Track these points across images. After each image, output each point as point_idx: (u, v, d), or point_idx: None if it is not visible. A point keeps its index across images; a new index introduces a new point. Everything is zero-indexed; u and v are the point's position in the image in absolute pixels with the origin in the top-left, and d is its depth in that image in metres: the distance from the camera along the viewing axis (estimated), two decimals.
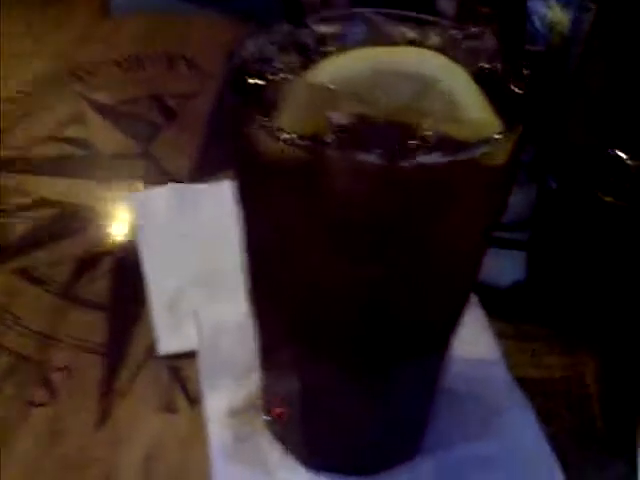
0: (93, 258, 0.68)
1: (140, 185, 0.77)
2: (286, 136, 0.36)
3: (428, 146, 0.36)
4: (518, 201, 0.58)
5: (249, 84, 0.40)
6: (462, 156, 0.36)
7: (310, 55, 0.42)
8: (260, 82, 0.40)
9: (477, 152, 0.36)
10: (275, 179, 0.39)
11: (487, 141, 0.36)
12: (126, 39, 1.03)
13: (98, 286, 0.66)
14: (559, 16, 0.73)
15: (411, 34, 0.45)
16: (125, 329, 0.62)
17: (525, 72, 0.41)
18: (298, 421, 0.49)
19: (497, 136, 0.37)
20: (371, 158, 0.35)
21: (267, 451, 0.51)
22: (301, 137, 0.36)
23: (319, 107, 0.38)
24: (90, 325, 0.62)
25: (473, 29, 0.44)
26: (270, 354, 0.49)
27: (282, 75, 0.40)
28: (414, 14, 0.46)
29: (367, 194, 0.36)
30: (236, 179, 0.42)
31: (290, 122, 0.38)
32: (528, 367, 0.58)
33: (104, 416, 0.55)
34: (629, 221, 0.57)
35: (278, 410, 0.51)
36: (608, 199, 0.56)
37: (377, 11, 0.46)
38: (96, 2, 1.10)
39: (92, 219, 0.73)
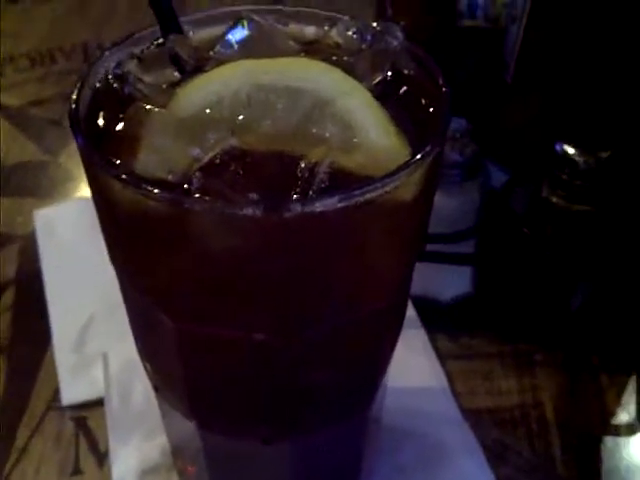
0: None
1: (49, 200, 0.69)
2: (139, 185, 0.28)
3: (318, 187, 0.29)
4: (456, 207, 0.51)
5: (102, 118, 0.32)
6: (360, 198, 0.28)
7: (182, 70, 0.35)
8: (116, 114, 0.32)
9: (380, 190, 0.29)
10: (139, 234, 0.31)
11: (391, 175, 0.29)
12: (37, 29, 0.94)
13: None
14: None
15: (309, 35, 0.38)
16: (26, 375, 0.54)
17: (441, 80, 0.33)
18: None
19: (404, 168, 0.29)
20: (243, 209, 0.27)
21: None
22: (157, 186, 0.28)
23: (185, 142, 0.31)
24: None
25: (379, 25, 0.36)
26: (170, 418, 0.42)
27: (145, 101, 0.33)
28: (312, 11, 0.38)
29: (241, 252, 0.29)
30: (101, 230, 0.35)
31: (151, 164, 0.30)
32: (479, 393, 0.52)
33: None
34: (584, 224, 0.50)
35: (190, 470, 0.45)
36: (558, 201, 0.49)
37: (269, 9, 0.38)
38: None
39: None
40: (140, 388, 0.51)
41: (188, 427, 0.39)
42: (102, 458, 0.49)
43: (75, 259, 0.62)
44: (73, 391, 0.53)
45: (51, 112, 0.80)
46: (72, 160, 0.74)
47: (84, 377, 0.53)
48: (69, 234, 0.64)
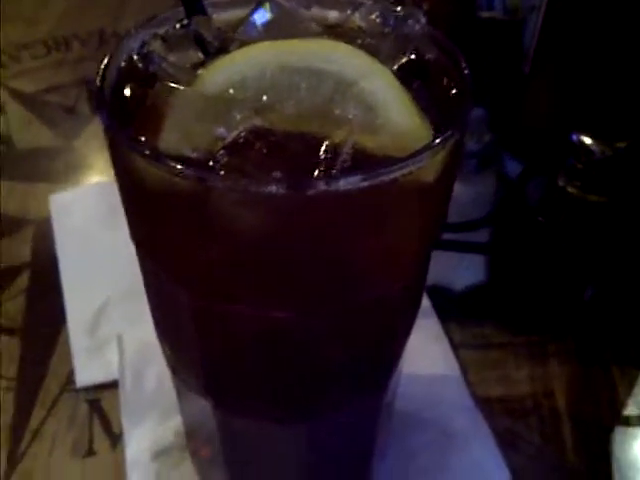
0: (8, 274, 0.61)
1: (63, 185, 0.70)
2: (164, 162, 0.28)
3: (341, 166, 0.29)
4: (471, 195, 0.52)
5: (127, 97, 0.33)
6: (383, 177, 0.28)
7: (206, 50, 0.35)
8: (141, 93, 0.33)
9: (402, 171, 0.29)
10: (162, 211, 0.31)
11: (414, 156, 0.29)
12: (52, 16, 0.95)
13: (12, 307, 0.59)
14: None
15: (332, 18, 0.38)
16: (40, 358, 0.55)
17: (463, 64, 0.33)
18: (224, 467, 0.43)
19: (426, 149, 0.29)
20: (267, 186, 0.28)
21: None
22: (182, 162, 0.28)
23: (209, 120, 0.31)
24: (1, 355, 0.55)
25: (402, 10, 0.36)
26: (186, 399, 0.42)
27: (169, 80, 0.33)
28: None
29: (264, 229, 0.29)
30: (124, 210, 0.35)
31: (175, 142, 0.31)
32: (491, 382, 0.52)
33: (14, 463, 0.48)
34: (599, 214, 0.50)
35: (203, 451, 0.45)
36: (573, 191, 0.50)
37: None
38: None
39: (8, 228, 0.65)
40: (154, 371, 0.51)
41: (203, 407, 0.40)
42: (115, 439, 0.50)
43: (90, 243, 0.62)
44: (87, 373, 0.53)
45: (66, 98, 0.81)
46: (86, 146, 0.75)
47: (98, 360, 0.54)
48: (84, 218, 0.64)
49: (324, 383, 0.36)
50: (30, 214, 0.67)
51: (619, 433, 0.50)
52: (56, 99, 0.81)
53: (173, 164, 0.28)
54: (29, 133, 0.77)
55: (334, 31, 0.36)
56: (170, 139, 0.31)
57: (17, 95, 0.81)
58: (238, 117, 0.31)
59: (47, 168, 0.73)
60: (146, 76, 0.33)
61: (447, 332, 0.55)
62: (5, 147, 0.75)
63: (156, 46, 0.35)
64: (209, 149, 0.30)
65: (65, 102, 0.80)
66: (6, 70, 0.85)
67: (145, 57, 0.34)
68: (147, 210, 0.32)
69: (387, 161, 0.29)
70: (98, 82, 0.32)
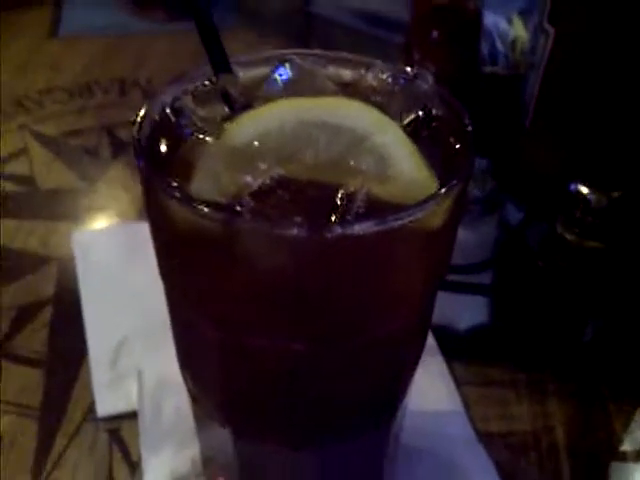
0: (32, 308, 0.64)
1: (84, 224, 0.73)
2: (196, 206, 0.32)
3: (355, 212, 0.32)
4: (475, 240, 0.55)
5: (161, 146, 0.36)
6: (393, 223, 0.32)
7: (232, 106, 0.38)
8: (173, 143, 0.36)
9: (410, 217, 0.32)
10: (191, 250, 0.35)
11: (421, 204, 0.32)
12: (76, 63, 0.99)
13: (36, 340, 0.61)
14: (521, 31, 0.70)
15: (346, 77, 0.42)
16: (63, 388, 0.58)
17: (467, 120, 0.37)
18: None
19: (432, 198, 0.33)
20: (289, 229, 0.31)
21: None
22: (212, 206, 0.32)
23: (236, 169, 0.34)
24: (26, 385, 0.57)
25: (411, 70, 0.40)
26: (204, 428, 0.45)
27: (199, 133, 0.36)
28: (349, 55, 0.42)
29: (286, 268, 0.32)
30: (154, 248, 0.38)
31: (206, 188, 0.34)
32: (493, 418, 0.55)
33: None
34: (596, 260, 0.53)
35: (220, 478, 0.48)
36: (571, 237, 0.53)
37: (310, 53, 0.42)
38: (44, 22, 1.06)
39: (32, 264, 0.68)
40: (172, 402, 0.54)
41: (222, 435, 0.42)
42: (134, 467, 0.52)
43: (111, 280, 0.65)
44: (108, 404, 0.56)
45: (88, 142, 0.85)
46: (106, 188, 0.78)
47: (118, 391, 0.57)
48: (106, 256, 0.67)
49: (337, 413, 0.39)
50: (53, 251, 0.70)
51: (615, 468, 0.52)
52: (78, 143, 0.84)
53: (205, 208, 0.31)
54: (51, 174, 0.80)
55: (348, 89, 0.40)
56: (200, 186, 0.34)
57: (40, 138, 0.85)
58: (262, 167, 0.34)
59: (69, 208, 0.76)
60: (177, 128, 0.37)
61: (451, 370, 0.57)
62: (29, 187, 0.78)
63: (187, 101, 0.38)
64: (236, 195, 0.33)
65: (87, 146, 0.84)
66: (30, 114, 0.89)
67: (177, 111, 0.38)
68: (177, 248, 0.36)
69: (397, 208, 0.32)
70: (136, 133, 0.36)
